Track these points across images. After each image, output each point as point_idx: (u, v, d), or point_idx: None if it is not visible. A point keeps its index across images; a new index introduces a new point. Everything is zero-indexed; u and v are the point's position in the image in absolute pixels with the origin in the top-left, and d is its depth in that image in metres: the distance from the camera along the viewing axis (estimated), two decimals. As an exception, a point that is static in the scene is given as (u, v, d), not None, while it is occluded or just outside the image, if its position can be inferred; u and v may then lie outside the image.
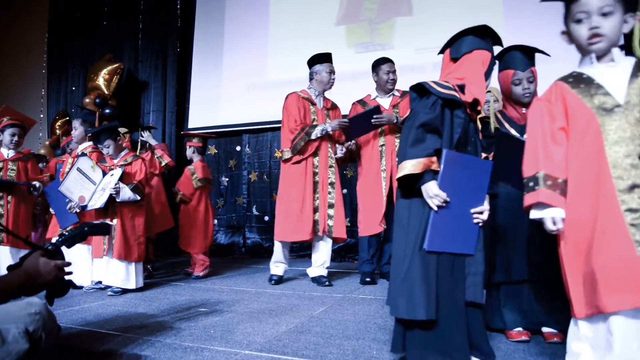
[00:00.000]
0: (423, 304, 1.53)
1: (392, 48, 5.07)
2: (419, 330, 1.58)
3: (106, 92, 6.24)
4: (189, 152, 4.34)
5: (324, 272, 3.49)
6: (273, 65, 5.69)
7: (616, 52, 1.38)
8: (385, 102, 3.61)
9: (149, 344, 1.93)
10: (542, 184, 1.39)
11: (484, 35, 1.76)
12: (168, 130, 6.59)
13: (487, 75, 1.76)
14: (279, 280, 3.53)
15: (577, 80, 1.42)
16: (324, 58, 3.60)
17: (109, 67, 6.32)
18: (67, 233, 1.61)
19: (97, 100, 6.10)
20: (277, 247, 3.54)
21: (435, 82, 1.68)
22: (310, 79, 3.61)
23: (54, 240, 1.55)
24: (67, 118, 6.32)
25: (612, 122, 1.33)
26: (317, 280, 3.46)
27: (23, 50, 7.58)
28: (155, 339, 2.01)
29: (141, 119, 6.65)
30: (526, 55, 2.10)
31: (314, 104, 3.59)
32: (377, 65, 3.63)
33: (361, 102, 3.68)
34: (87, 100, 6.19)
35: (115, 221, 3.16)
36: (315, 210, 3.43)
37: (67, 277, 1.48)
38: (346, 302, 2.79)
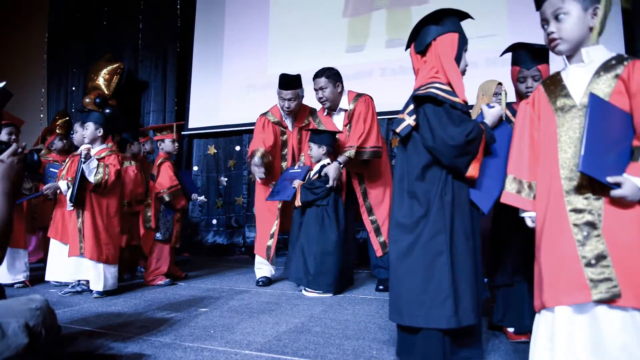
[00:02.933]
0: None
1: (398, 45, 5.06)
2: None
3: (106, 92, 6.25)
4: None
5: None
6: (273, 65, 5.69)
7: (586, 51, 1.37)
8: (337, 120, 3.33)
9: (148, 344, 1.93)
10: (507, 187, 1.49)
11: (442, 18, 1.74)
12: (168, 130, 6.59)
13: (459, 58, 1.75)
14: (267, 282, 3.44)
15: (552, 81, 1.45)
16: (282, 84, 3.36)
17: (109, 67, 6.32)
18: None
19: (97, 100, 6.11)
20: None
21: (441, 90, 1.65)
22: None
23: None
24: (67, 118, 6.32)
25: (565, 122, 1.36)
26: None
27: (23, 51, 7.58)
28: (155, 339, 2.00)
29: (141, 119, 6.65)
30: (532, 53, 2.07)
31: (285, 127, 3.49)
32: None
33: (314, 115, 3.48)
34: (87, 100, 6.20)
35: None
36: (271, 236, 3.40)
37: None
38: (346, 302, 2.79)
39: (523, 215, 1.50)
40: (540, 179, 1.43)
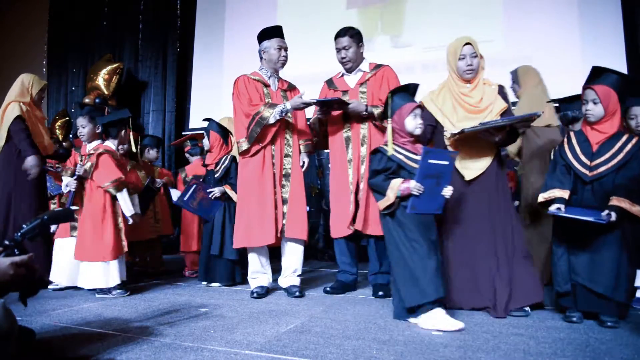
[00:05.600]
0: None
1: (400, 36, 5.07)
2: None
3: (106, 92, 6.25)
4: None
5: (296, 281, 3.06)
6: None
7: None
8: (351, 80, 3.08)
9: (148, 343, 1.93)
10: None
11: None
12: (168, 130, 6.60)
13: None
14: (262, 294, 2.99)
15: None
16: (272, 33, 3.10)
17: (109, 67, 6.33)
18: (25, 226, 1.44)
19: (97, 100, 6.11)
20: (251, 256, 3.09)
21: None
22: (260, 58, 3.19)
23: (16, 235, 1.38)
24: (67, 118, 6.33)
25: None
26: (287, 290, 3.04)
27: (23, 51, 7.58)
28: (155, 339, 2.00)
29: (141, 119, 6.65)
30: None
31: (267, 85, 3.13)
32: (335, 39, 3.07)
33: (329, 81, 3.19)
34: (87, 100, 6.20)
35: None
36: (276, 207, 2.97)
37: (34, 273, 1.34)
38: (346, 302, 2.79)
39: None
40: None
